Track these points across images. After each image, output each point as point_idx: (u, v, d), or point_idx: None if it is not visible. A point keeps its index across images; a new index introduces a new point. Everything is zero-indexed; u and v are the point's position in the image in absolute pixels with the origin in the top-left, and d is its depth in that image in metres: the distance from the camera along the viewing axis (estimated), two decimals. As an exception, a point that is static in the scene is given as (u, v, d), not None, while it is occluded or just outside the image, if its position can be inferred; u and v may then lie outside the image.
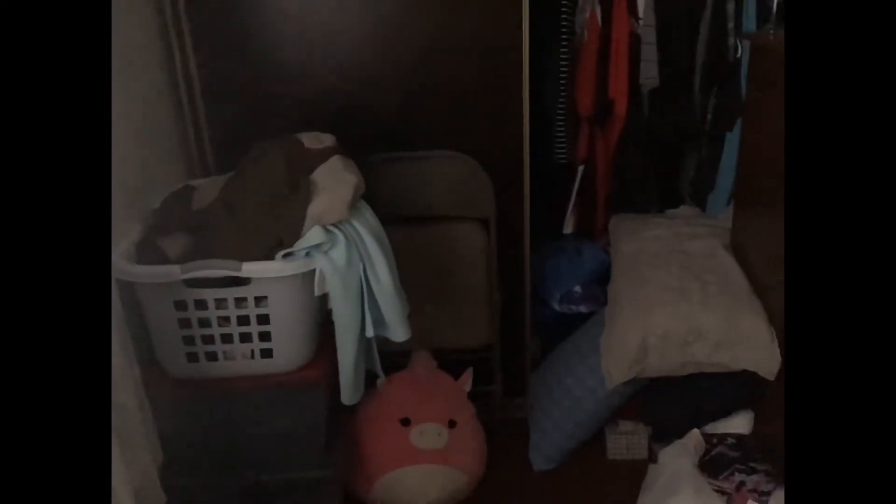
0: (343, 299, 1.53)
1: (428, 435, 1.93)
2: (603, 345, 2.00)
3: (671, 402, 2.06)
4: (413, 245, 2.02)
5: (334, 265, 1.49)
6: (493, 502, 2.04)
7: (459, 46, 1.97)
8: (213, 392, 1.59)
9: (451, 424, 1.98)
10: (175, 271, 1.45)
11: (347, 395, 1.63)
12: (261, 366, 1.58)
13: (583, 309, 2.41)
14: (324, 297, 1.55)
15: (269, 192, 1.54)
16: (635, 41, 2.22)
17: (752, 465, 1.78)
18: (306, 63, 1.99)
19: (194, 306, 1.50)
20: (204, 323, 1.52)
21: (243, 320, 1.52)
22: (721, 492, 1.71)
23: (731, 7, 2.20)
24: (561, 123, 2.35)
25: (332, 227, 1.51)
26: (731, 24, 2.22)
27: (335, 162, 1.64)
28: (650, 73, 2.23)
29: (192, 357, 1.55)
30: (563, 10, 2.25)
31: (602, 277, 2.38)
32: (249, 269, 1.46)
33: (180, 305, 1.49)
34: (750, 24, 2.19)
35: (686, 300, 1.91)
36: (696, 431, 1.87)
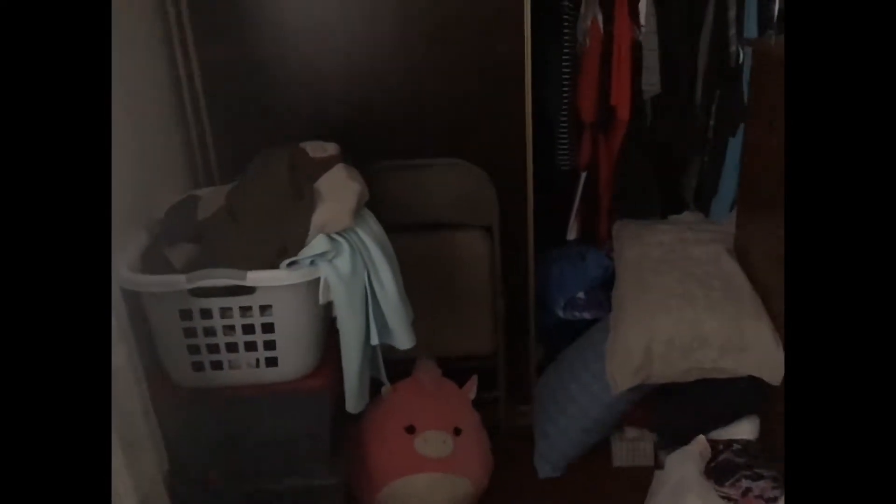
0: (348, 307, 1.53)
1: (433, 443, 1.93)
2: (607, 351, 2.00)
3: (676, 409, 2.05)
4: (417, 253, 2.02)
5: (339, 273, 1.50)
6: (499, 510, 2.03)
7: (462, 55, 1.98)
8: (218, 400, 1.60)
9: (457, 432, 1.97)
10: (180, 280, 1.45)
11: (352, 403, 1.64)
12: (266, 374, 1.58)
13: (587, 315, 2.41)
14: (328, 306, 1.55)
15: (274, 201, 1.55)
16: (637, 48, 2.22)
17: (758, 471, 1.78)
18: (310, 72, 2.00)
19: (199, 315, 1.50)
20: (209, 332, 1.53)
21: (248, 329, 1.53)
22: (727, 498, 1.71)
23: (732, 13, 2.21)
24: (564, 130, 2.36)
25: (336, 236, 1.52)
26: (732, 31, 2.22)
27: (339, 170, 1.65)
28: (652, 80, 2.24)
29: (198, 366, 1.56)
30: (565, 17, 2.25)
31: (606, 283, 2.38)
32: (254, 277, 1.46)
33: (185, 314, 1.50)
34: (751, 30, 2.19)
35: (690, 306, 1.91)
36: (701, 437, 1.87)
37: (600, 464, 2.18)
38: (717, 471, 1.79)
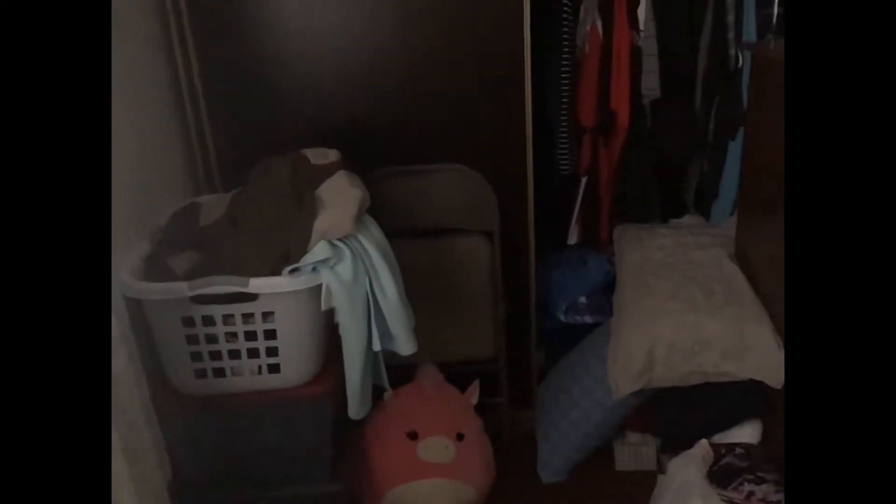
0: (350, 313, 1.53)
1: (435, 448, 1.92)
2: (609, 356, 2.00)
3: (679, 413, 2.05)
4: (418, 258, 2.03)
5: (341, 280, 1.50)
6: (502, 515, 2.03)
7: (462, 61, 1.99)
8: (221, 408, 1.60)
9: (459, 437, 1.97)
10: (182, 288, 1.45)
11: (355, 410, 1.64)
12: (268, 381, 1.58)
13: (588, 319, 2.41)
14: (330, 312, 1.55)
15: (276, 208, 1.55)
16: (636, 53, 2.23)
17: (760, 474, 1.77)
18: (311, 80, 2.01)
19: (202, 322, 1.50)
20: (211, 339, 1.53)
21: (251, 336, 1.53)
22: (730, 502, 1.70)
23: (731, 17, 2.22)
24: (564, 135, 2.36)
25: (338, 242, 1.52)
26: (731, 35, 2.23)
27: (340, 177, 1.65)
28: (651, 84, 2.24)
29: (200, 373, 1.56)
30: (565, 22, 2.26)
31: (607, 287, 2.38)
32: (256, 284, 1.46)
33: (188, 322, 1.50)
34: (750, 34, 2.20)
35: (692, 310, 1.91)
36: (704, 442, 1.86)
37: (603, 468, 2.18)
38: (720, 475, 1.79)
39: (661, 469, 2.01)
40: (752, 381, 1.86)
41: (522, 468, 2.19)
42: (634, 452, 2.17)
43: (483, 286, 2.15)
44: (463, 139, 2.06)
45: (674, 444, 1.99)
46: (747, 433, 1.99)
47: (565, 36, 2.27)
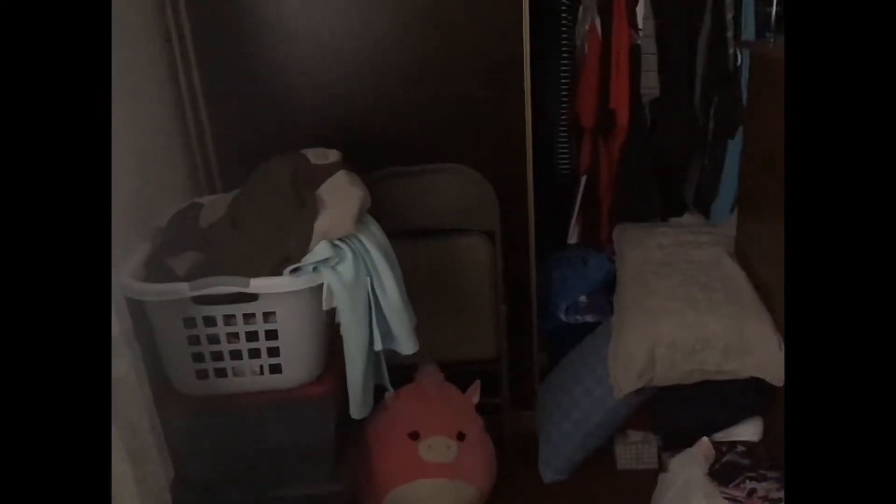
0: (351, 313, 1.53)
1: (437, 448, 1.93)
2: (610, 355, 2.00)
3: (680, 411, 2.05)
4: (419, 258, 2.03)
5: (342, 280, 1.50)
6: (504, 515, 2.03)
7: (462, 61, 1.99)
8: (222, 408, 1.60)
9: (460, 437, 1.97)
10: (183, 289, 1.45)
11: (356, 410, 1.64)
12: (270, 381, 1.58)
13: (589, 319, 2.41)
14: (332, 312, 1.56)
15: (276, 208, 1.56)
16: (635, 52, 2.23)
17: (762, 472, 1.77)
18: (311, 80, 2.01)
19: (203, 323, 1.51)
20: (213, 339, 1.53)
21: (252, 336, 1.53)
22: (732, 500, 1.70)
23: (729, 16, 2.22)
24: (563, 135, 2.36)
25: (339, 242, 1.52)
26: (730, 33, 2.23)
27: (341, 177, 1.65)
28: (651, 84, 2.24)
29: (202, 374, 1.56)
30: (564, 22, 2.26)
31: (607, 287, 2.39)
32: (257, 284, 1.46)
33: (189, 322, 1.50)
34: (749, 32, 2.20)
35: (693, 308, 1.91)
36: (705, 440, 1.86)
37: (604, 467, 2.18)
38: (722, 472, 1.79)
39: (663, 467, 2.01)
40: (752, 379, 1.86)
41: (524, 468, 2.19)
42: (636, 451, 2.17)
43: (484, 286, 2.15)
44: (463, 139, 2.06)
45: (675, 443, 1.99)
46: (748, 431, 2.00)
47: (564, 35, 2.27)
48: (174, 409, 1.58)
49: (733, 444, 1.91)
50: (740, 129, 2.22)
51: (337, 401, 1.64)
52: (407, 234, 1.99)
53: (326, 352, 1.65)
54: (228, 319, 1.51)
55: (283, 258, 1.50)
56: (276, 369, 1.57)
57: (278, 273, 1.48)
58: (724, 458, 1.84)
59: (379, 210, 1.67)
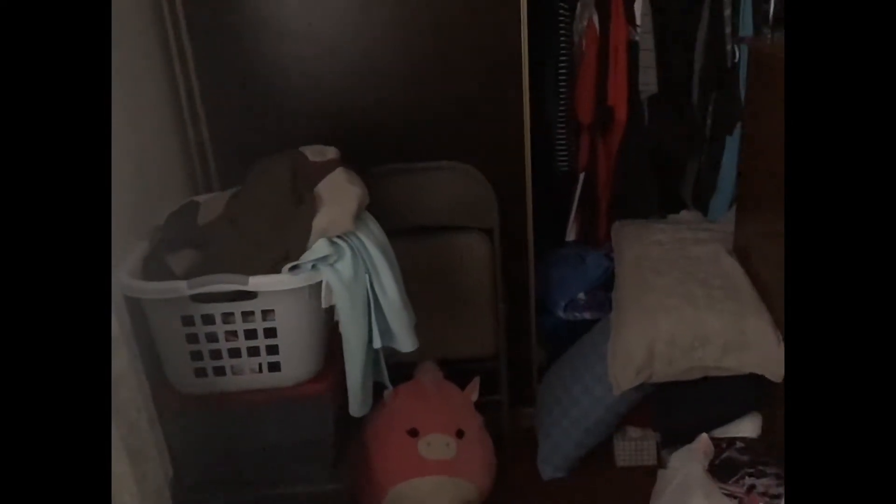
0: (350, 311, 1.53)
1: (436, 446, 1.93)
2: (609, 352, 2.00)
3: (679, 408, 2.05)
4: (418, 256, 2.03)
5: (341, 277, 1.50)
6: (503, 512, 2.03)
7: (460, 58, 1.99)
8: (221, 406, 1.60)
9: (459, 434, 1.97)
10: (182, 287, 1.45)
11: (356, 408, 1.64)
12: (269, 379, 1.58)
13: (587, 316, 2.41)
14: (330, 310, 1.55)
15: (275, 206, 1.55)
16: (633, 48, 2.23)
17: (761, 468, 1.78)
18: (309, 78, 2.00)
19: (202, 321, 1.50)
20: (211, 338, 1.53)
21: (251, 334, 1.53)
22: (732, 496, 1.71)
23: (728, 12, 2.22)
24: (562, 132, 2.36)
25: (337, 240, 1.52)
26: (728, 30, 2.23)
27: (339, 174, 1.65)
28: (648, 80, 2.24)
29: (201, 372, 1.56)
30: (562, 19, 2.26)
31: (606, 284, 2.39)
32: (256, 282, 1.46)
33: (188, 321, 1.50)
34: (747, 28, 2.20)
35: (691, 305, 1.91)
36: (704, 436, 1.87)
37: (603, 464, 2.18)
38: (721, 469, 1.79)
39: (662, 464, 2.02)
40: (751, 375, 1.86)
41: (523, 465, 2.19)
42: (635, 448, 2.17)
43: (482, 283, 2.15)
44: (461, 136, 2.06)
45: (674, 439, 1.99)
46: (747, 427, 2.00)
47: (562, 32, 2.27)
48: (173, 408, 1.58)
49: (732, 440, 1.91)
50: (738, 125, 2.23)
51: (336, 399, 1.64)
52: (406, 232, 1.99)
53: (325, 350, 1.65)
54: (227, 317, 1.50)
55: (282, 256, 1.49)
56: (274, 367, 1.57)
57: (277, 271, 1.48)
58: (724, 455, 1.85)
59: (377, 207, 1.67)
